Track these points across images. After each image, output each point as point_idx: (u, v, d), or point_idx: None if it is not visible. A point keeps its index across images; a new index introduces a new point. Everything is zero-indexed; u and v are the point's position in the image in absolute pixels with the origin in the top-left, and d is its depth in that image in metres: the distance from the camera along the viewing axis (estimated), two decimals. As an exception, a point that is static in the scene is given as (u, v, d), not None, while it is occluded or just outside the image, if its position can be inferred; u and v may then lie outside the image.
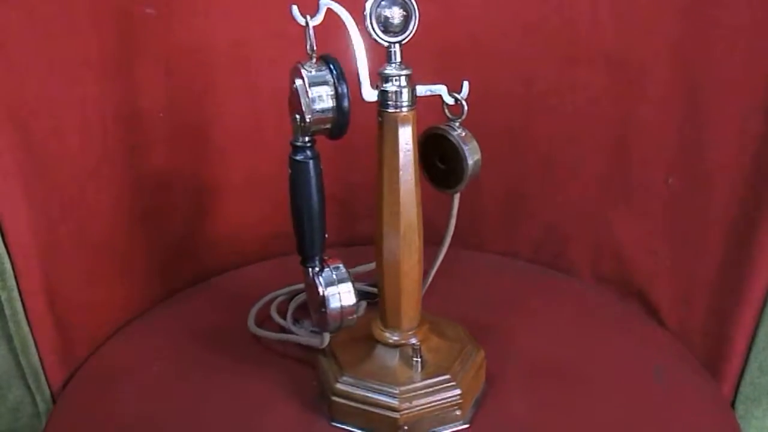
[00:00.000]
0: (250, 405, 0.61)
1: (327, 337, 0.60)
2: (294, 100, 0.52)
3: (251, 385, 0.63)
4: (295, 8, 0.49)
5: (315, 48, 0.51)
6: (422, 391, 0.57)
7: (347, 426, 0.58)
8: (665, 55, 0.69)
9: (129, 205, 0.73)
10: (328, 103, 0.51)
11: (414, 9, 0.51)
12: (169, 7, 0.71)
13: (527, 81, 0.79)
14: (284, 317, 0.71)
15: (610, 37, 0.72)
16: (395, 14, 0.51)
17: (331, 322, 0.55)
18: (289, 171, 0.54)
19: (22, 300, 0.61)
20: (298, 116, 0.52)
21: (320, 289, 0.55)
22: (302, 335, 0.68)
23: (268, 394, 0.62)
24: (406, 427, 0.57)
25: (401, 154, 0.54)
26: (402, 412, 0.56)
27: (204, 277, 0.83)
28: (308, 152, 0.53)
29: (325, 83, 0.51)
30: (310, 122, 0.51)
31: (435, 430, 0.58)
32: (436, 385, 0.57)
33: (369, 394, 0.57)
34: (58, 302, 0.65)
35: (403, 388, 0.57)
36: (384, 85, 0.52)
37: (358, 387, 0.57)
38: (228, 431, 0.59)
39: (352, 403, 0.57)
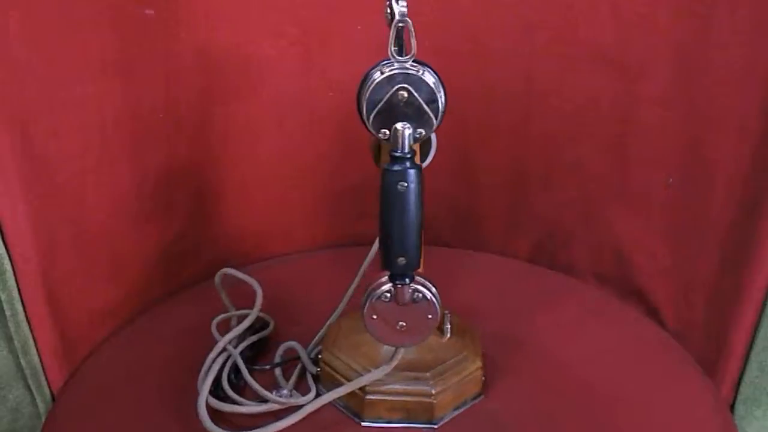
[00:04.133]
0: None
1: (401, 352, 0.58)
2: (403, 108, 0.48)
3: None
4: (396, 7, 0.47)
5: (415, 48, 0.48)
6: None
7: (448, 413, 0.60)
8: (665, 54, 0.69)
9: (129, 205, 0.73)
10: (444, 100, 0.49)
11: None
12: (169, 8, 0.71)
13: (527, 80, 0.79)
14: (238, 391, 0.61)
15: (610, 37, 0.72)
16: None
17: (438, 320, 0.55)
18: (399, 185, 0.49)
19: (22, 300, 0.61)
20: (404, 125, 0.48)
21: (428, 295, 0.53)
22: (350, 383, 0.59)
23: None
24: (484, 378, 0.62)
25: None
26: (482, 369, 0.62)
27: (204, 277, 0.82)
28: (411, 161, 0.49)
29: (437, 83, 0.49)
30: (437, 124, 0.49)
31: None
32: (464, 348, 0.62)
33: (458, 373, 0.60)
34: (58, 302, 0.65)
35: (472, 348, 0.62)
36: None
37: (445, 377, 0.59)
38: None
39: (449, 383, 0.59)
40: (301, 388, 0.62)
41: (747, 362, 0.64)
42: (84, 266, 0.68)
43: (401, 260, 0.51)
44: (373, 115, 0.49)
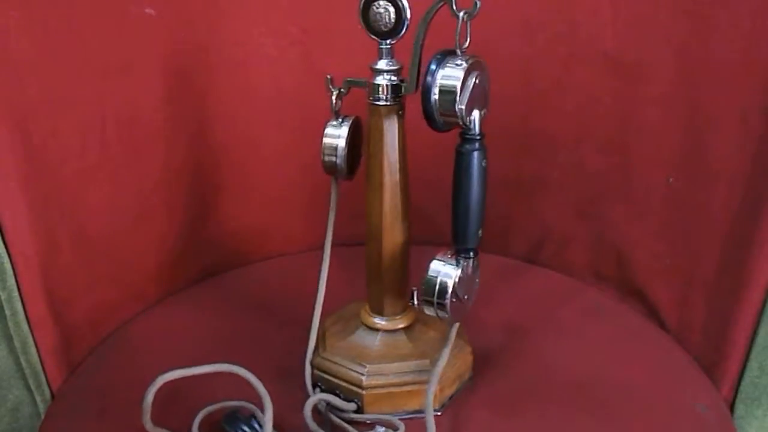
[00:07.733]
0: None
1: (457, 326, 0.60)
2: (477, 93, 0.52)
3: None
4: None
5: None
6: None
7: None
8: (666, 54, 0.69)
9: (129, 205, 0.73)
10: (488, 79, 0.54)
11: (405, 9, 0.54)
12: (168, 7, 0.71)
13: (527, 80, 0.79)
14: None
15: (610, 37, 0.72)
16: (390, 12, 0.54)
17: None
18: (480, 163, 0.52)
19: (22, 300, 0.61)
20: (478, 108, 0.52)
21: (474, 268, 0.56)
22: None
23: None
24: None
25: (403, 142, 0.57)
26: None
27: (204, 276, 0.83)
28: (482, 141, 0.53)
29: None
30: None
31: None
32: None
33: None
34: (58, 302, 0.65)
35: None
36: (375, 79, 0.55)
37: (463, 334, 0.63)
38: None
39: (466, 336, 0.64)
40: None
41: (747, 362, 0.64)
42: (84, 266, 0.68)
43: (480, 232, 0.54)
44: (465, 105, 0.51)
